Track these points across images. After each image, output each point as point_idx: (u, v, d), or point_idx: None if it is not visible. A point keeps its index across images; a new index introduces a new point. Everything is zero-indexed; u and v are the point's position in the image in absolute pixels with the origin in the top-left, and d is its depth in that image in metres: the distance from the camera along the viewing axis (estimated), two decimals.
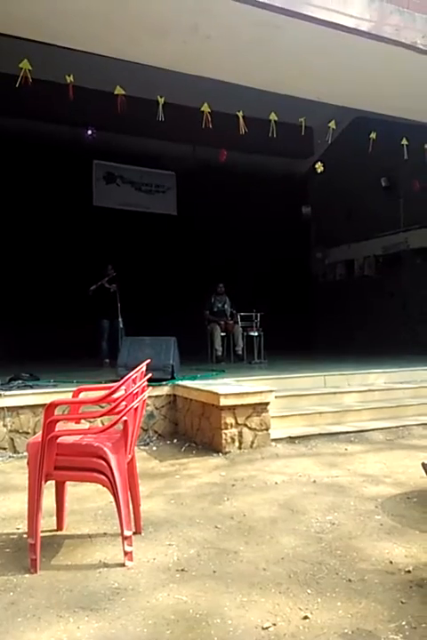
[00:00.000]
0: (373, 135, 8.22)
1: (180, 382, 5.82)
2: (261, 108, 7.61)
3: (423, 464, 3.48)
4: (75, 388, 3.47)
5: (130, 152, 11.28)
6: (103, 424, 3.89)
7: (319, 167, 8.87)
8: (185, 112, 8.60)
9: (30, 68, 5.97)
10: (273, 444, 5.05)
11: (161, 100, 6.89)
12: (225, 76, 6.94)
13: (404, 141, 8.32)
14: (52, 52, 6.69)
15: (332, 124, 8.10)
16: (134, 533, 2.85)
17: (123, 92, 6.61)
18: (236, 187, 11.78)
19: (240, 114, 7.38)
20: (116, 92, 6.61)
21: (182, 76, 6.90)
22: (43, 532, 2.76)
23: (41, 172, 10.63)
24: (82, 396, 3.38)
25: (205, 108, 7.13)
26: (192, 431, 5.43)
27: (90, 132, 9.96)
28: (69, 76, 6.43)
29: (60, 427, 2.78)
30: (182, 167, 11.60)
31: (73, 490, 3.48)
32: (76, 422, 3.19)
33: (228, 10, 5.56)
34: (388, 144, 8.61)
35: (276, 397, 5.25)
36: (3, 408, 5.06)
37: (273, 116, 7.57)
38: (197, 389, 5.37)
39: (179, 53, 6.35)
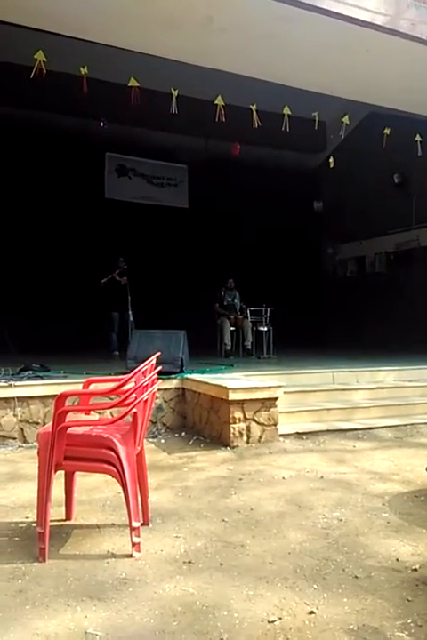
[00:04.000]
0: (386, 131, 8.16)
1: (189, 376, 5.83)
2: (275, 101, 7.58)
3: None
4: (85, 380, 3.49)
5: (142, 145, 11.29)
6: (113, 416, 3.91)
7: (332, 162, 8.82)
8: (198, 105, 8.59)
9: (45, 60, 5.99)
10: (281, 439, 5.05)
11: (175, 93, 6.87)
12: (239, 69, 6.91)
13: (417, 137, 8.24)
14: (67, 44, 6.70)
15: (345, 119, 8.04)
16: (142, 525, 2.87)
17: (137, 84, 6.61)
18: (248, 180, 11.73)
19: (254, 107, 7.35)
20: (130, 84, 6.61)
21: (196, 68, 6.88)
22: (51, 521, 2.78)
23: (53, 164, 10.66)
24: (92, 387, 3.40)
25: (219, 101, 7.11)
26: (200, 424, 5.45)
27: (102, 123, 10.01)
28: (83, 67, 6.44)
29: (69, 417, 2.80)
30: (195, 160, 11.58)
31: (82, 480, 3.50)
32: (85, 413, 3.21)
33: (243, 2, 5.53)
34: (401, 140, 8.55)
35: (284, 393, 5.24)
36: (13, 398, 5.10)
37: (286, 110, 7.53)
38: (206, 383, 5.38)
39: (193, 46, 6.34)
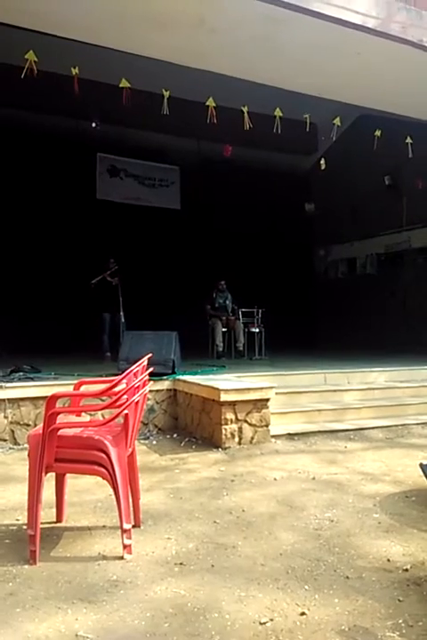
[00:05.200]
0: (377, 133, 8.20)
1: (180, 377, 5.82)
2: (267, 103, 7.60)
3: (421, 465, 3.49)
4: (76, 381, 3.47)
5: (134, 146, 11.27)
6: (104, 417, 3.90)
7: (323, 164, 8.86)
8: (190, 106, 8.58)
9: (36, 60, 5.96)
10: (273, 440, 5.06)
11: (166, 94, 6.86)
12: (230, 70, 6.93)
13: (408, 140, 8.29)
14: (58, 44, 6.67)
15: (337, 121, 8.07)
16: (133, 526, 2.86)
17: (128, 85, 6.60)
18: (239, 182, 11.75)
19: (245, 109, 7.37)
20: (121, 85, 6.60)
21: (188, 69, 6.88)
22: (42, 523, 2.77)
23: (44, 164, 10.61)
24: (83, 389, 3.39)
25: (211, 102, 7.11)
26: (192, 426, 5.44)
27: (94, 124, 10.00)
28: (75, 68, 6.42)
29: (60, 419, 2.79)
30: (186, 162, 11.58)
31: (73, 482, 3.49)
32: (76, 415, 3.20)
33: (235, 4, 5.54)
34: (392, 142, 8.59)
35: (276, 394, 5.25)
36: (4, 400, 5.07)
37: (278, 112, 7.55)
38: (198, 384, 5.38)
39: (184, 47, 6.33)
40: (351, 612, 2.15)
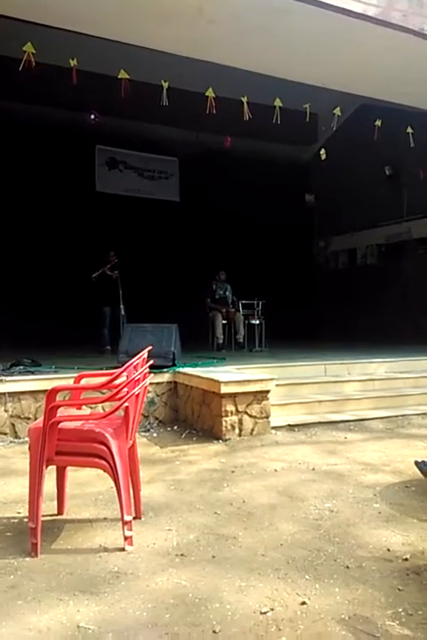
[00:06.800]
0: (378, 123, 8.16)
1: (181, 369, 5.83)
2: (266, 93, 7.56)
3: (416, 462, 3.51)
4: (76, 375, 3.47)
5: (133, 137, 11.22)
6: (104, 410, 3.91)
7: (323, 154, 8.83)
8: (189, 97, 8.54)
9: (34, 52, 5.93)
10: (273, 431, 5.07)
11: (165, 85, 6.83)
12: (230, 61, 6.88)
13: (409, 129, 8.25)
14: (56, 36, 6.63)
15: (337, 111, 8.03)
16: (134, 518, 2.87)
17: (127, 77, 6.56)
18: (239, 173, 11.71)
19: (245, 99, 7.33)
20: (120, 77, 6.56)
21: (187, 60, 6.84)
22: (43, 516, 2.78)
23: (43, 157, 10.56)
24: (83, 382, 3.39)
25: (210, 92, 7.07)
26: (193, 418, 5.45)
27: (93, 116, 9.96)
28: (73, 59, 6.38)
29: (61, 412, 2.79)
30: (186, 153, 11.54)
31: (74, 475, 3.50)
32: (77, 408, 3.20)
33: None
34: (392, 132, 8.56)
35: (276, 385, 5.26)
36: (4, 393, 5.07)
37: (278, 102, 7.51)
38: (198, 377, 5.38)
39: (183, 37, 6.29)
40: (351, 601, 2.17)
